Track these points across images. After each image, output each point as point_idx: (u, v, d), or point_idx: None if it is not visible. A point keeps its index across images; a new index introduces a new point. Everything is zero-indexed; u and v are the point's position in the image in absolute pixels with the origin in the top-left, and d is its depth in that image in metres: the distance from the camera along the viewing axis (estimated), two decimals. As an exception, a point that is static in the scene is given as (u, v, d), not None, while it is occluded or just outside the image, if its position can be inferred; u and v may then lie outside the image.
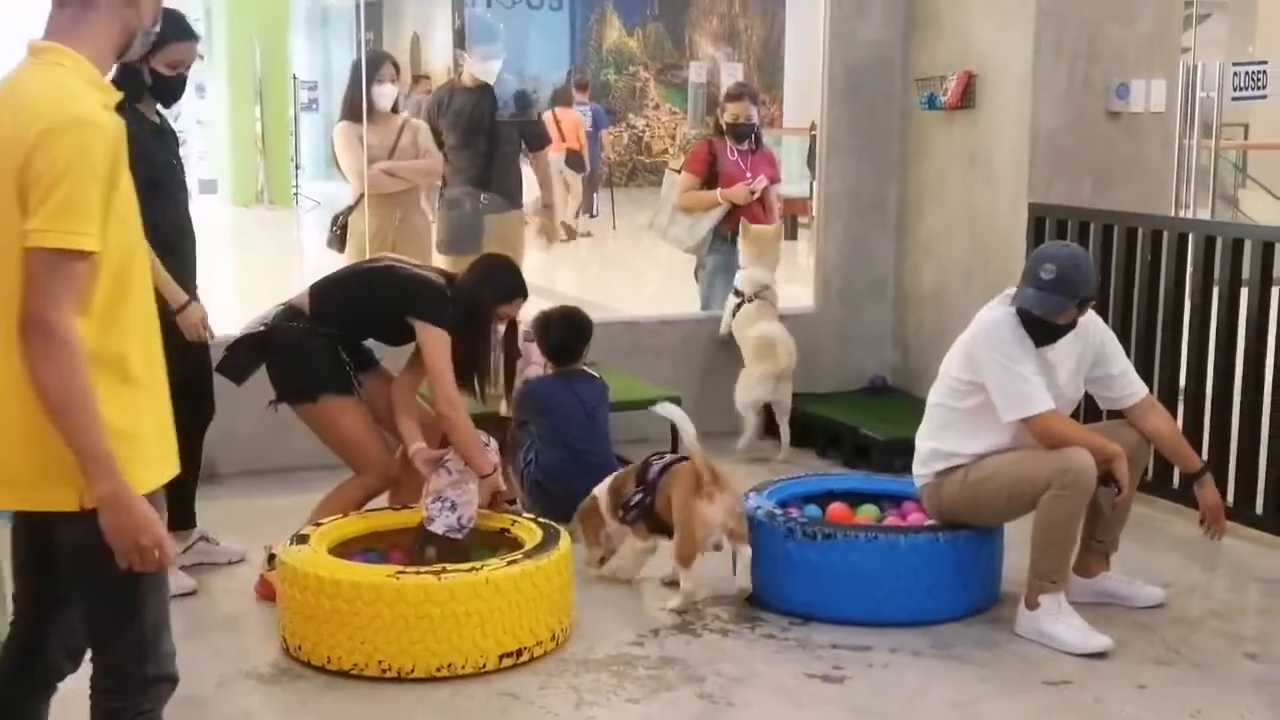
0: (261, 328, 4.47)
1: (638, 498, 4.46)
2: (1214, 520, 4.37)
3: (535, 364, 5.31)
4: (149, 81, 4.29)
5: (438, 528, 4.26)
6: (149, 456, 2.41)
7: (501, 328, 4.57)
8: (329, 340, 4.45)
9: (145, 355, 2.43)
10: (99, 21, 2.41)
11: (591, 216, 16.46)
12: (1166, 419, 4.51)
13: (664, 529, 4.42)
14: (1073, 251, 4.30)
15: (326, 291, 4.54)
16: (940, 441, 4.30)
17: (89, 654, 2.55)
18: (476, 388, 4.49)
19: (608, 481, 4.60)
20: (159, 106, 4.45)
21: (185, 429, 4.66)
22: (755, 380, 6.18)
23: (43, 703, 2.66)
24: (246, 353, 4.50)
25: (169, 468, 2.51)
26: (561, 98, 16.55)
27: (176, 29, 4.30)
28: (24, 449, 2.34)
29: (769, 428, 6.57)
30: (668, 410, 4.51)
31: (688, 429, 4.40)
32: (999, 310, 4.23)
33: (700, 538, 4.26)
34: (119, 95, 2.47)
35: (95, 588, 2.45)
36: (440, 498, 4.29)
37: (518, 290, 4.51)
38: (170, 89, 4.37)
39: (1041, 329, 4.16)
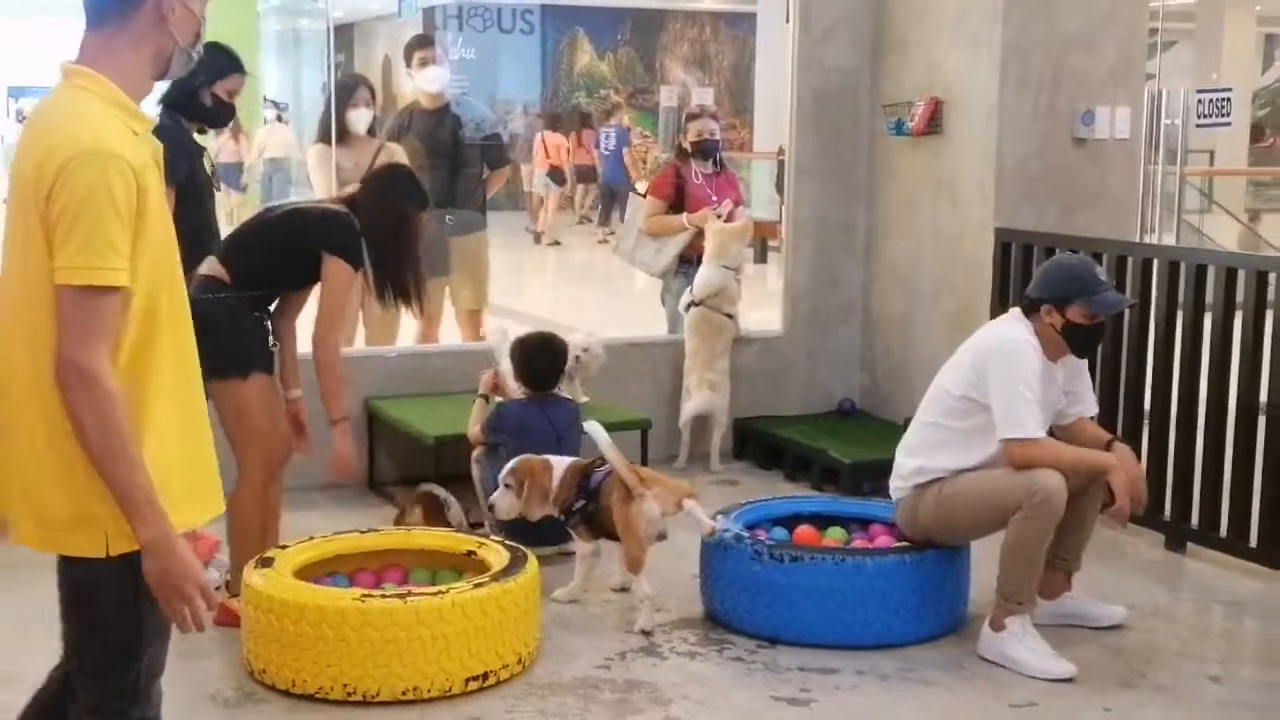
0: None
1: (580, 504, 4.55)
2: (1131, 494, 4.16)
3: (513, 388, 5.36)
4: (208, 104, 4.82)
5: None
6: (173, 499, 2.32)
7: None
8: (259, 314, 4.38)
9: (176, 393, 2.36)
10: (131, 43, 2.34)
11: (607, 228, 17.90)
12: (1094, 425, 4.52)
13: (607, 533, 4.53)
14: (1083, 256, 4.70)
15: (239, 250, 4.44)
16: (928, 459, 4.30)
17: (73, 691, 2.47)
18: (414, 302, 4.55)
19: (567, 464, 4.65)
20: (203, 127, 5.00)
21: None
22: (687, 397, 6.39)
23: None
24: None
25: (199, 512, 2.43)
26: (548, 122, 18.76)
27: (234, 63, 4.88)
28: (58, 491, 2.29)
29: (740, 449, 6.59)
30: (591, 428, 4.61)
31: (602, 438, 4.49)
32: (1020, 333, 4.22)
33: (645, 536, 4.36)
34: (151, 120, 2.40)
35: (94, 629, 2.39)
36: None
37: (426, 196, 4.61)
38: (223, 114, 4.97)
39: (1096, 335, 4.27)
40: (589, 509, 4.54)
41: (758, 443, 6.56)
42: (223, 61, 4.84)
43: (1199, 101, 9.22)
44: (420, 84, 6.90)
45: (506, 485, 4.59)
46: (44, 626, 4.27)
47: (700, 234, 6.48)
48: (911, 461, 4.36)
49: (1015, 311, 4.33)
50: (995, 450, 4.18)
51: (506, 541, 4.37)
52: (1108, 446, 4.29)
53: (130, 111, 2.34)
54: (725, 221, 6.42)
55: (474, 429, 5.23)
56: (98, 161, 2.21)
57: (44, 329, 2.24)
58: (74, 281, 2.20)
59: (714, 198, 6.57)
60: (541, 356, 5.28)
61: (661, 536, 4.43)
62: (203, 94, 4.79)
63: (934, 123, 6.30)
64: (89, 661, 2.43)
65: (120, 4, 2.34)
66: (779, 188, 13.10)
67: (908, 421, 4.59)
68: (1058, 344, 4.21)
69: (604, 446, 4.48)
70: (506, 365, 5.33)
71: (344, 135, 6.50)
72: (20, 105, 20.27)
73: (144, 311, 2.29)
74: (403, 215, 4.45)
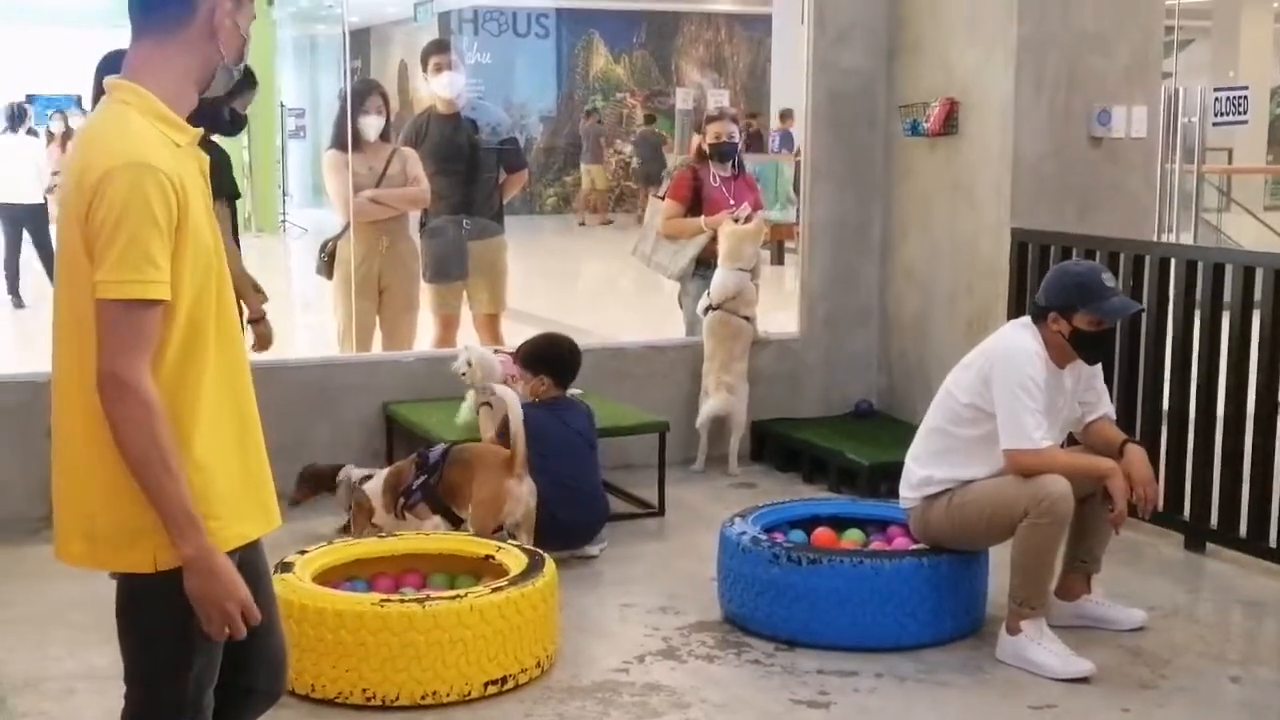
0: None
1: (420, 480, 4.77)
2: (1144, 486, 4.17)
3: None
4: (228, 118, 4.92)
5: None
6: (226, 512, 2.32)
7: None
8: None
9: (225, 402, 2.36)
10: (177, 55, 2.34)
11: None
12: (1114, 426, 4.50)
13: (444, 510, 4.74)
14: (1091, 263, 4.70)
15: None
16: (935, 469, 4.29)
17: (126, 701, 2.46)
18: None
19: (380, 480, 4.93)
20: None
21: None
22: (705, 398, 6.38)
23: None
24: None
25: (254, 524, 2.41)
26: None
27: (249, 78, 4.81)
28: (105, 507, 2.28)
29: (758, 452, 6.59)
30: (502, 391, 4.86)
31: (516, 411, 4.69)
32: (1026, 341, 4.20)
33: (506, 512, 4.60)
34: (194, 131, 2.39)
35: (145, 641, 2.37)
36: None
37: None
38: (238, 126, 5.10)
39: (1103, 341, 4.28)
40: (429, 482, 4.73)
41: (775, 445, 6.55)
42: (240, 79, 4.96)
43: (1216, 99, 9.20)
44: (435, 90, 6.92)
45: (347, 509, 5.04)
46: (63, 633, 4.31)
47: (716, 237, 6.47)
48: (920, 471, 4.35)
49: (1024, 319, 4.32)
50: (1001, 461, 4.18)
51: (524, 546, 4.38)
52: (1121, 448, 4.28)
53: (172, 123, 2.33)
54: (743, 225, 6.42)
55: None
56: (134, 174, 2.21)
57: (90, 345, 2.24)
58: (113, 295, 2.20)
59: (732, 201, 6.56)
60: (565, 355, 5.31)
61: (512, 535, 4.62)
62: (223, 110, 4.86)
63: (950, 123, 6.29)
64: (140, 672, 2.42)
65: (173, 15, 2.33)
66: (796, 189, 13.09)
67: (924, 424, 4.58)
68: (1065, 351, 4.20)
69: (516, 421, 4.65)
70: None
71: (359, 140, 6.53)
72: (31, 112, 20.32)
73: (189, 321, 2.29)
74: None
